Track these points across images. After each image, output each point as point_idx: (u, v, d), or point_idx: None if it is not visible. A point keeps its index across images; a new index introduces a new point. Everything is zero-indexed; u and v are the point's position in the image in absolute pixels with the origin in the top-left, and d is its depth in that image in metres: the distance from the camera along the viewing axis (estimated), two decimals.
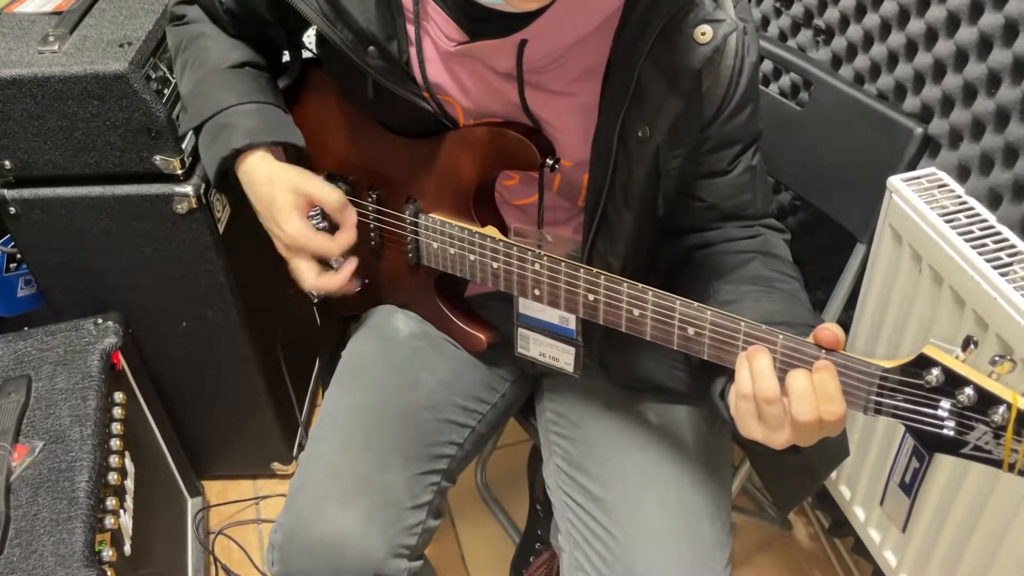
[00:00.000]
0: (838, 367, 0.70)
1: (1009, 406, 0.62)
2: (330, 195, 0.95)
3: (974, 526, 1.04)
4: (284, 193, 0.95)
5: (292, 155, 1.01)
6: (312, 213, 0.98)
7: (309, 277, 0.97)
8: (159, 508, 1.45)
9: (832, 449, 1.10)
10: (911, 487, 0.78)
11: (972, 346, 0.65)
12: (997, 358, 0.64)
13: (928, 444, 0.68)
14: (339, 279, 0.99)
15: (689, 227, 0.96)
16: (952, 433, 0.66)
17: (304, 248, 0.96)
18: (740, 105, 0.88)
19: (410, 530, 0.96)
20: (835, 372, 0.70)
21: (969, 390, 0.64)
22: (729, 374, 0.79)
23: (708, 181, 0.92)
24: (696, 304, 0.76)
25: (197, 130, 1.01)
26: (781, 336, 0.72)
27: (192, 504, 1.61)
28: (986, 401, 0.63)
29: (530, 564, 1.49)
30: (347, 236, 0.96)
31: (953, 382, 0.65)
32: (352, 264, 1.00)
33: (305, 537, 0.93)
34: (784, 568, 1.55)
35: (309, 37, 1.08)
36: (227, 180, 1.00)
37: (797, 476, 1.09)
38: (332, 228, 0.99)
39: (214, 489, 1.71)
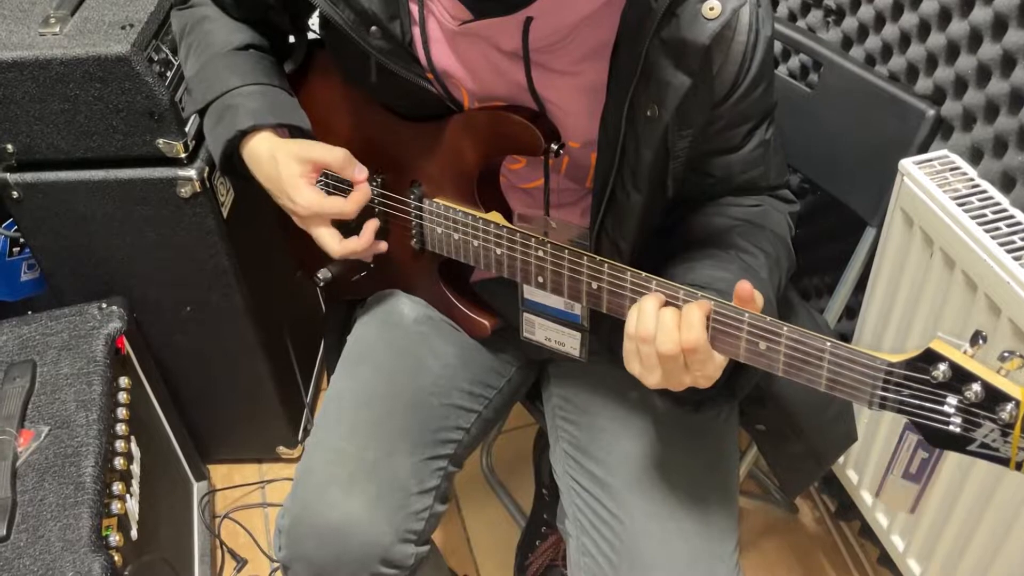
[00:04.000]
0: (843, 360, 0.69)
1: (1018, 403, 0.61)
2: (333, 154, 0.93)
3: (984, 509, 1.04)
4: (288, 165, 0.94)
5: (297, 138, 1.00)
6: (318, 180, 0.97)
7: (333, 243, 0.96)
8: (165, 492, 1.45)
9: (839, 434, 1.10)
10: (919, 476, 0.77)
11: (981, 341, 0.63)
12: (1006, 354, 0.62)
13: (933, 440, 0.67)
14: (363, 241, 0.97)
15: (698, 198, 0.95)
16: (958, 430, 0.65)
17: (319, 214, 0.94)
18: (755, 82, 0.86)
19: (417, 515, 0.96)
20: (706, 307, 0.73)
21: (977, 386, 0.63)
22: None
23: (720, 158, 0.91)
24: (700, 293, 0.75)
25: (201, 113, 1.00)
26: (786, 328, 0.71)
27: (198, 488, 1.61)
28: (994, 398, 0.62)
29: (536, 548, 1.49)
30: (361, 192, 0.95)
31: (960, 378, 0.63)
32: (374, 224, 0.99)
33: (311, 522, 0.93)
34: (790, 552, 1.55)
35: (313, 19, 1.07)
36: (232, 162, 0.99)
37: (804, 461, 1.09)
38: (342, 192, 0.98)
39: (219, 473, 1.72)
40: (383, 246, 1.02)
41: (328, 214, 0.95)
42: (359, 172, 0.95)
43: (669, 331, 0.73)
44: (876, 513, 1.27)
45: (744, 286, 0.73)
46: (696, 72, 0.80)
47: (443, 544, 1.59)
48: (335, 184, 0.99)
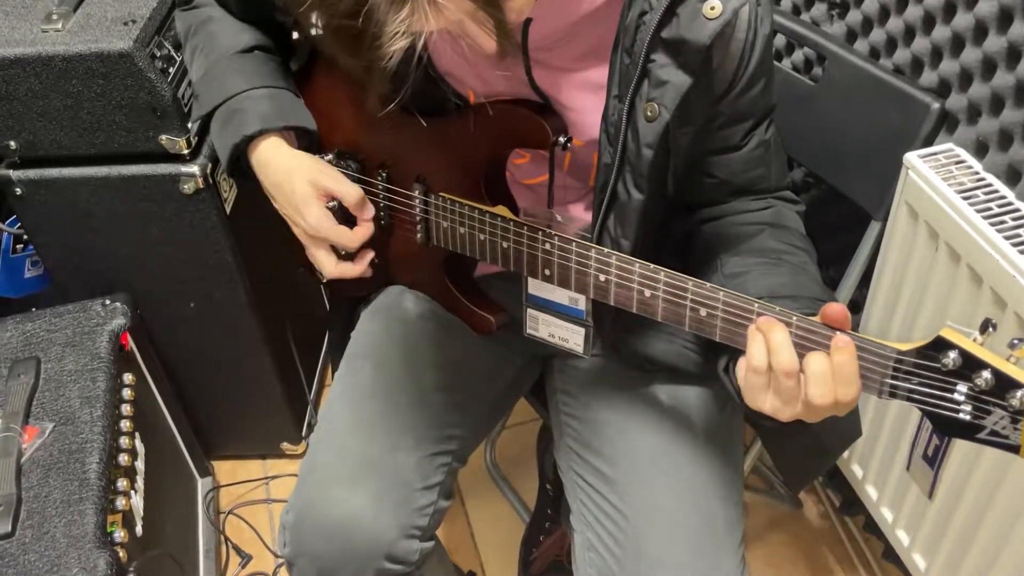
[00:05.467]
0: None
1: None
2: (348, 190, 0.95)
3: (989, 504, 1.04)
4: (303, 184, 0.94)
5: (304, 138, 1.00)
6: (329, 204, 0.98)
7: (328, 265, 0.97)
8: (169, 488, 1.45)
9: (844, 429, 1.09)
10: (934, 460, 0.77)
11: (991, 329, 0.63)
12: (1016, 341, 0.62)
13: (944, 428, 0.67)
14: (358, 268, 0.99)
15: (701, 202, 0.95)
16: (968, 417, 0.65)
17: (324, 238, 0.96)
18: (753, 79, 0.86)
19: (421, 511, 0.96)
20: (854, 353, 0.69)
21: (987, 374, 0.63)
22: (733, 350, 0.78)
23: (720, 157, 0.91)
24: (709, 285, 0.75)
25: (208, 116, 1.00)
26: (795, 317, 0.71)
27: (202, 484, 1.62)
28: (1004, 385, 0.62)
29: (540, 543, 1.49)
30: (365, 230, 0.96)
31: (970, 365, 0.63)
32: (370, 254, 1.00)
33: (316, 519, 0.93)
34: (795, 546, 1.55)
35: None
36: (239, 165, 0.99)
37: (808, 455, 1.08)
38: (344, 213, 0.98)
39: (224, 469, 1.72)
40: (370, 272, 1.02)
41: (331, 241, 0.96)
42: (367, 212, 0.96)
43: (824, 381, 0.68)
44: (881, 508, 1.27)
45: (835, 309, 0.69)
46: (696, 70, 0.79)
47: (447, 539, 1.60)
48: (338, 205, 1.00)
